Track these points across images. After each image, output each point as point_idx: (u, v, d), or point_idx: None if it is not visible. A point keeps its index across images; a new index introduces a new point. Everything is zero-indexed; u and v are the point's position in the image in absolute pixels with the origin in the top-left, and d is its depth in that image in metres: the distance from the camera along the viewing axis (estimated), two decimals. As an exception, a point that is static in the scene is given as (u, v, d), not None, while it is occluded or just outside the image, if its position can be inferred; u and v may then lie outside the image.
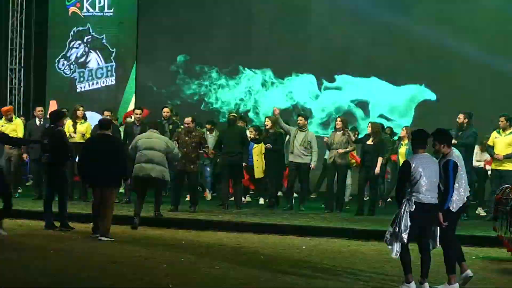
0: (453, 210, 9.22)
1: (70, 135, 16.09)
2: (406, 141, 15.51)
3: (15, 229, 13.09)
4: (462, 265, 9.48)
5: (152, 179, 13.65)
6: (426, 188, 9.04)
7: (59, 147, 13.26)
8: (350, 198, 17.51)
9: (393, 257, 9.21)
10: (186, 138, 15.16)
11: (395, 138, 17.68)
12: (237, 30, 21.40)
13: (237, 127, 16.43)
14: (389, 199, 17.16)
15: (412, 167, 9.07)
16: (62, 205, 13.26)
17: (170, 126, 16.41)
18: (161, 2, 21.67)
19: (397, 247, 9.13)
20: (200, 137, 15.42)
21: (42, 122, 16.67)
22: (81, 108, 16.74)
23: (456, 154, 9.35)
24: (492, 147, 15.14)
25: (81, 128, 16.49)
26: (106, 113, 16.66)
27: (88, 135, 16.45)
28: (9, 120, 16.61)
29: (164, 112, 16.80)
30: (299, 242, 12.64)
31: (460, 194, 9.28)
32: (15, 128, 16.50)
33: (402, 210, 9.11)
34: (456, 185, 9.21)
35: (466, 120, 15.28)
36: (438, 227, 9.16)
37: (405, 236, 9.02)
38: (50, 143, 13.20)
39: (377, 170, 15.46)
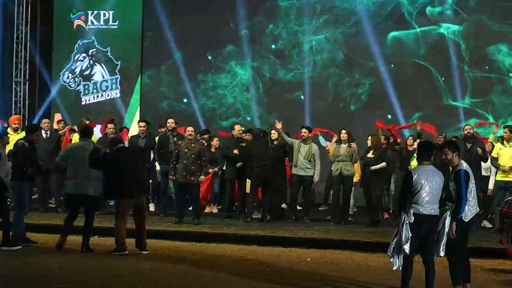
0: (465, 220, 9.18)
1: None
2: None
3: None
4: (465, 285, 9.35)
5: (88, 198, 12.31)
6: (427, 200, 9.04)
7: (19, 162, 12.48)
8: (355, 210, 17.46)
9: (394, 270, 9.23)
10: (186, 150, 15.07)
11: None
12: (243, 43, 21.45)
13: (265, 140, 16.31)
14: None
15: (414, 178, 9.09)
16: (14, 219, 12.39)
17: (175, 138, 16.27)
18: (166, 14, 21.70)
19: (399, 260, 9.15)
20: (200, 148, 15.30)
21: (48, 135, 16.68)
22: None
23: (465, 165, 9.32)
24: (496, 158, 15.17)
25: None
26: (109, 125, 16.60)
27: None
28: (15, 130, 16.55)
29: (169, 123, 16.60)
30: (304, 254, 12.63)
31: (471, 205, 9.24)
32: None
33: (401, 222, 9.14)
34: (469, 196, 9.18)
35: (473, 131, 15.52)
36: (443, 237, 9.16)
37: (406, 248, 9.02)
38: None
39: (375, 167, 15.36)
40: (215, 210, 17.73)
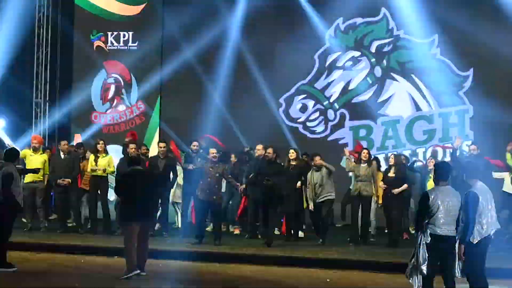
0: (473, 242, 9.11)
1: (91, 169, 16.30)
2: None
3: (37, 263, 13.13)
4: None
5: None
6: (443, 221, 9.01)
7: None
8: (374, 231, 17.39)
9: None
10: (211, 169, 15.18)
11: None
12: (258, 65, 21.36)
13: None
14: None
15: (430, 199, 9.06)
16: None
17: (198, 159, 16.25)
18: (186, 35, 21.72)
19: (418, 280, 9.11)
20: (223, 168, 15.37)
21: (66, 156, 16.73)
22: (101, 142, 16.81)
23: (480, 188, 9.26)
24: None
25: (103, 161, 16.53)
26: (131, 145, 16.61)
27: (110, 169, 16.48)
28: (34, 149, 16.57)
29: (193, 145, 16.60)
30: (324, 275, 12.59)
31: (482, 226, 9.16)
32: (41, 159, 16.57)
33: (418, 243, 9.11)
34: (481, 219, 9.11)
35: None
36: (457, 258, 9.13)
37: (424, 268, 8.99)
38: None
39: (397, 190, 15.24)
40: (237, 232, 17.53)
